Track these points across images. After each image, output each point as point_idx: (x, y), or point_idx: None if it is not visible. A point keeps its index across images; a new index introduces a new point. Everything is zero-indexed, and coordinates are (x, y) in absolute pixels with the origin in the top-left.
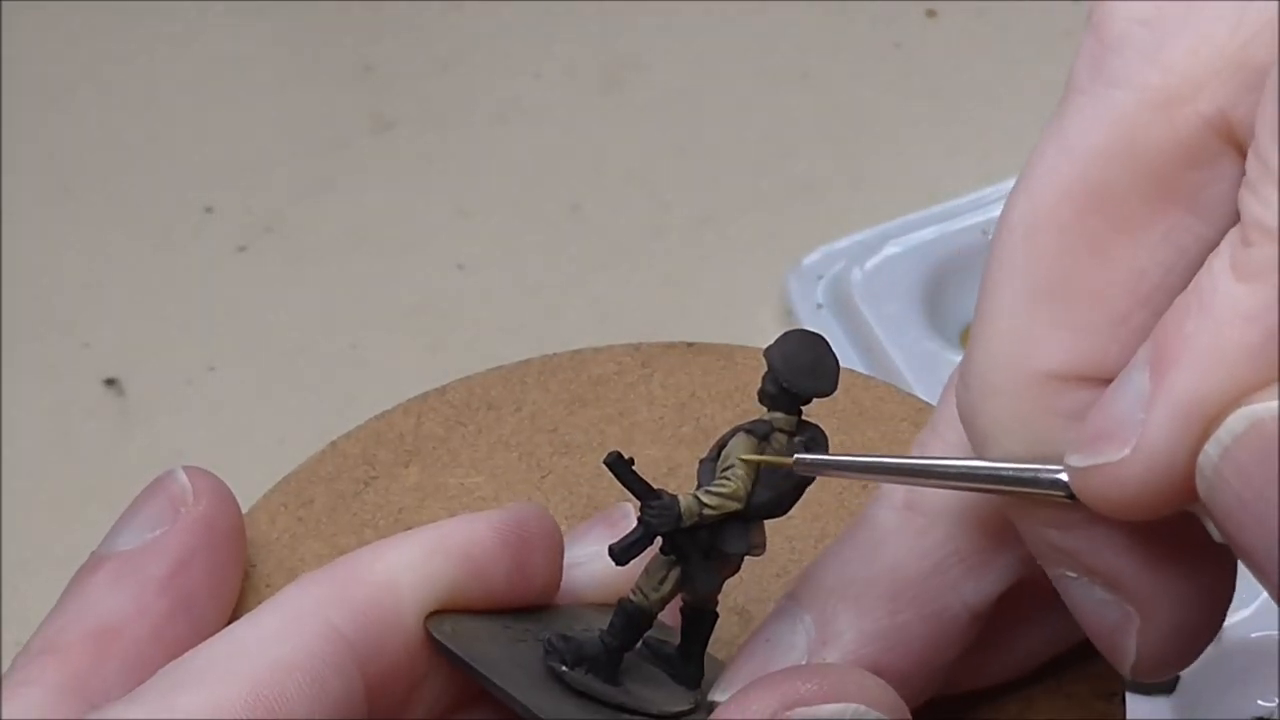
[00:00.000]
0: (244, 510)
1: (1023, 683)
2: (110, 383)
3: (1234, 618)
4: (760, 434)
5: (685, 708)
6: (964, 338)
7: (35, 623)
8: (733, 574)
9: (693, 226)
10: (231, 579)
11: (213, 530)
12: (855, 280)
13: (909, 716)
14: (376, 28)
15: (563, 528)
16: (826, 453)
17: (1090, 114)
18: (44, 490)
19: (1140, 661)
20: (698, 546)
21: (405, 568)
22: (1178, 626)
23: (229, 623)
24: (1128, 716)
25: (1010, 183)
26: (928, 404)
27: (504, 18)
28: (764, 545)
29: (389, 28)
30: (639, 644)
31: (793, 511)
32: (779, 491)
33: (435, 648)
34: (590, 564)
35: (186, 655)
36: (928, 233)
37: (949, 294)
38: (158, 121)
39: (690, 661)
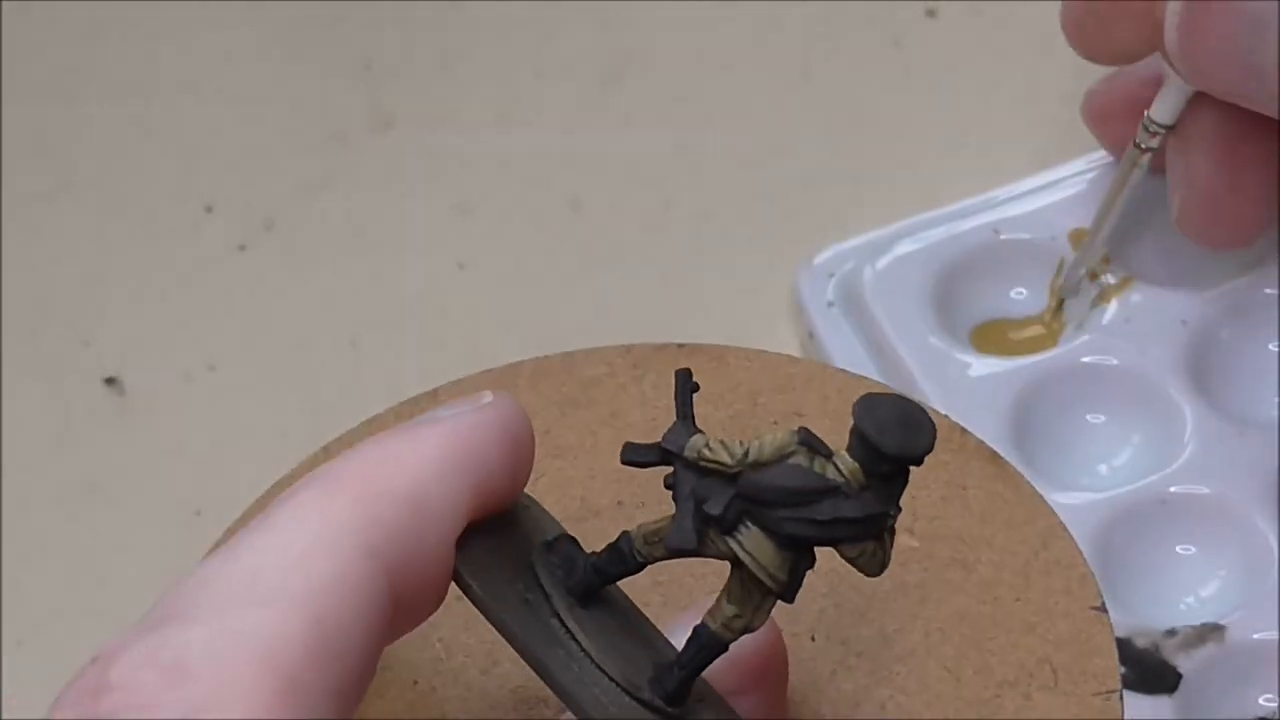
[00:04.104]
0: (240, 513)
1: (1021, 681)
2: (110, 381)
3: (1235, 617)
4: (820, 450)
5: (622, 702)
6: (974, 337)
7: (36, 622)
8: (722, 556)
9: (694, 225)
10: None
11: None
12: (866, 279)
13: None
14: (376, 25)
15: None
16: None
17: None
18: (44, 489)
19: None
20: (681, 490)
21: (433, 486)
22: None
23: None
24: (1128, 716)
25: (1015, 184)
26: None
27: (504, 16)
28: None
29: (389, 25)
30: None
31: None
32: (783, 488)
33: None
34: None
35: (216, 560)
36: (939, 232)
37: (960, 293)
38: (157, 120)
39: (667, 674)
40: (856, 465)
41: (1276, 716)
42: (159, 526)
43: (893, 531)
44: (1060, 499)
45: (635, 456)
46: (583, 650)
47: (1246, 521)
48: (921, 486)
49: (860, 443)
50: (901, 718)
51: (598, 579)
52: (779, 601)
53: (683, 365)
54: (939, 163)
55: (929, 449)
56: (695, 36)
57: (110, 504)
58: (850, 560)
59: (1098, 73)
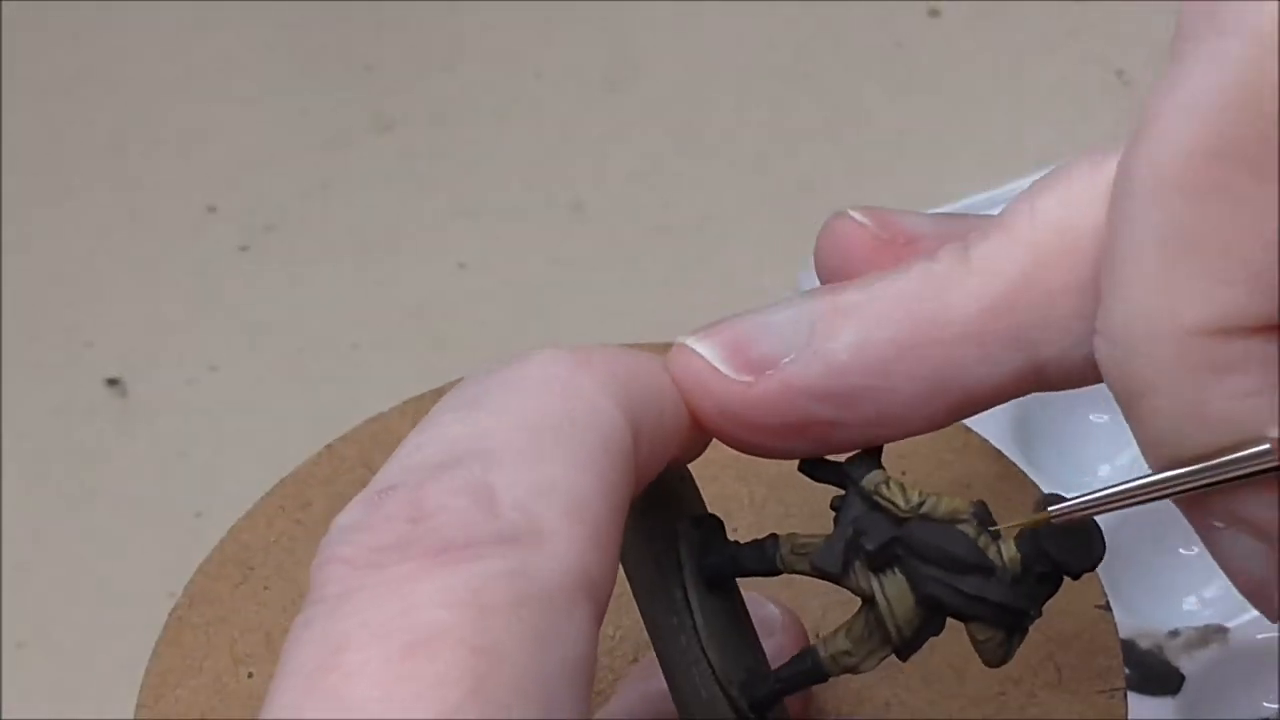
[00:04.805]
0: (242, 513)
1: (1025, 679)
2: (112, 383)
3: (1239, 619)
4: (989, 528)
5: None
6: None
7: (35, 622)
8: (859, 592)
9: (694, 226)
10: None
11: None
12: None
13: None
14: (377, 27)
15: None
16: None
17: (1207, 65)
18: (44, 490)
19: None
20: (845, 515)
21: (664, 387)
22: None
23: None
24: (1130, 717)
25: (1017, 183)
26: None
27: (504, 17)
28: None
29: (389, 27)
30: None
31: (791, 511)
32: (942, 549)
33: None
34: None
35: (458, 409)
36: None
37: None
38: (159, 121)
39: (760, 682)
40: (1018, 556)
41: (1278, 719)
42: (159, 528)
43: (1025, 632)
44: (1066, 496)
45: (813, 469)
46: (694, 627)
47: None
48: (925, 485)
49: (1030, 538)
50: (906, 716)
51: (732, 567)
52: (891, 654)
53: None
54: (939, 163)
55: (1091, 569)
56: (695, 37)
57: (111, 505)
58: (975, 641)
59: (1107, 66)
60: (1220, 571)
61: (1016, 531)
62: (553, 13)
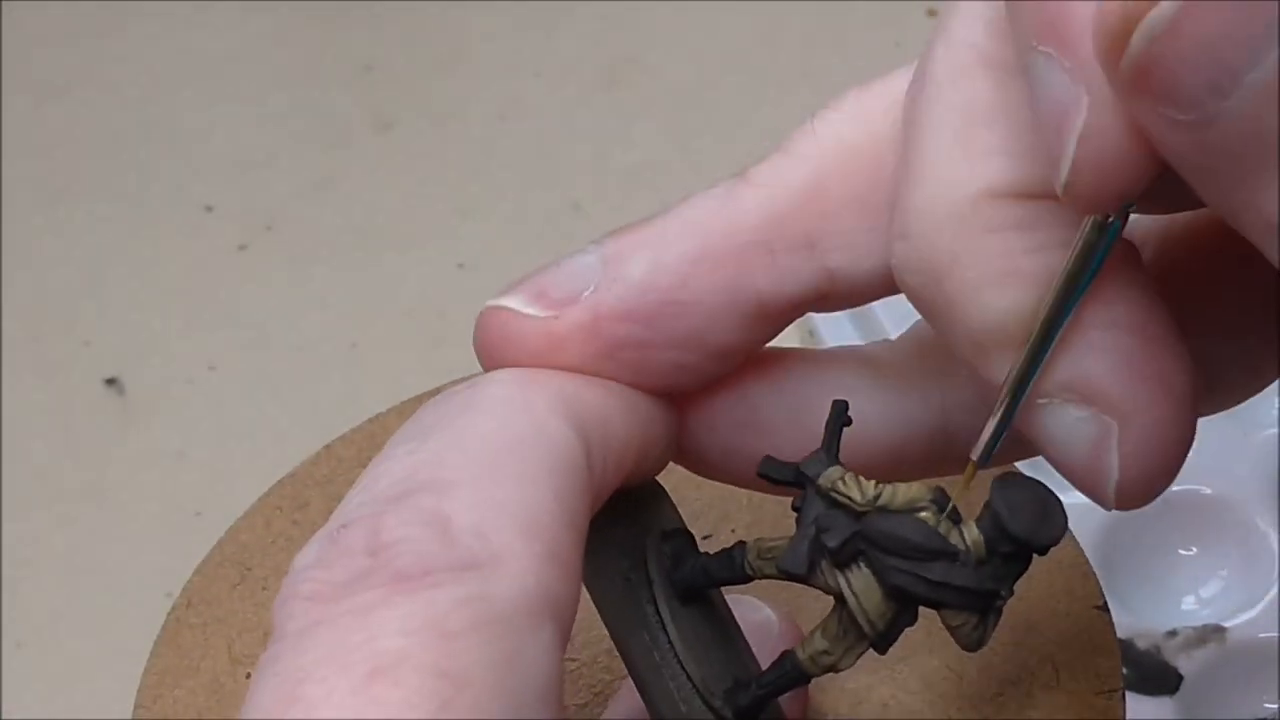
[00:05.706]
0: (240, 514)
1: (1023, 680)
2: (111, 382)
3: (1239, 619)
4: (949, 513)
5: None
6: None
7: (35, 622)
8: (828, 590)
9: None
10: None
11: None
12: None
13: None
14: (376, 28)
15: None
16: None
17: None
18: (44, 490)
19: (1124, 478)
20: (806, 515)
21: (615, 408)
22: (1156, 427)
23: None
24: (1129, 717)
25: None
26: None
27: (504, 18)
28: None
29: (389, 28)
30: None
31: (789, 511)
32: (902, 539)
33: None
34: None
35: (430, 444)
36: None
37: None
38: (158, 121)
39: (743, 690)
40: (980, 538)
41: (1277, 718)
42: (159, 528)
43: (999, 613)
44: (1062, 498)
45: (770, 472)
46: (669, 642)
47: (1247, 522)
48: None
49: (990, 518)
50: (903, 717)
51: (703, 579)
52: (869, 648)
53: None
54: None
55: (1055, 542)
56: (695, 37)
57: (110, 505)
58: (949, 627)
59: None
60: (1219, 571)
61: (978, 515)
62: (553, 13)
